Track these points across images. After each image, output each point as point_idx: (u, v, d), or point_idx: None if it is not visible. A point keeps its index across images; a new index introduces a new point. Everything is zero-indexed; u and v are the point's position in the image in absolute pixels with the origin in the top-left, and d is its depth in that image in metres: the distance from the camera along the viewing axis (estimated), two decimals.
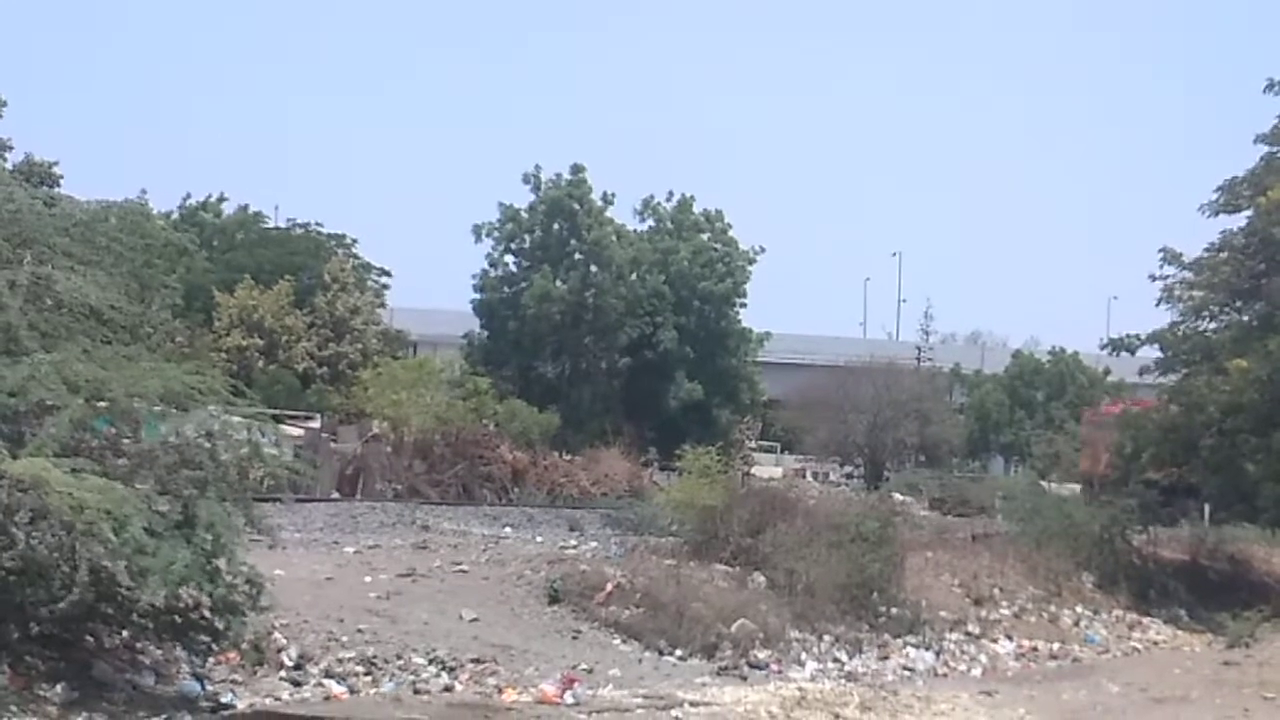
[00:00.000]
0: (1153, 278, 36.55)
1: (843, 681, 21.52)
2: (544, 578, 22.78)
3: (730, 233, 61.34)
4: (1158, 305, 36.81)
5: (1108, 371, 62.72)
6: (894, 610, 25.78)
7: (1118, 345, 38.67)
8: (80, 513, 12.80)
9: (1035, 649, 27.24)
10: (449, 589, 21.83)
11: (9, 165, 47.73)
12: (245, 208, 57.34)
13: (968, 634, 26.91)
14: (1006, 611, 28.99)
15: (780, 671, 21.87)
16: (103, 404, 14.84)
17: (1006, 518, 36.30)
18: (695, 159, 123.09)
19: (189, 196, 57.58)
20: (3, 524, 13.34)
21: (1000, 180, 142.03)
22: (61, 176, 48.53)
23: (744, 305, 60.93)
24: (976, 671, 24.85)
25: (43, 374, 14.13)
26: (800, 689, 19.98)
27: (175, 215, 52.69)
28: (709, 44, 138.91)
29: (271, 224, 57.82)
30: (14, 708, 13.20)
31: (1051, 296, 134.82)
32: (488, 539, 26.40)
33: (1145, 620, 31.92)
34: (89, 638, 14.61)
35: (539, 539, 27.34)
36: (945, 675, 24.08)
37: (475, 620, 20.63)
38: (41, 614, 13.64)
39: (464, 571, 22.91)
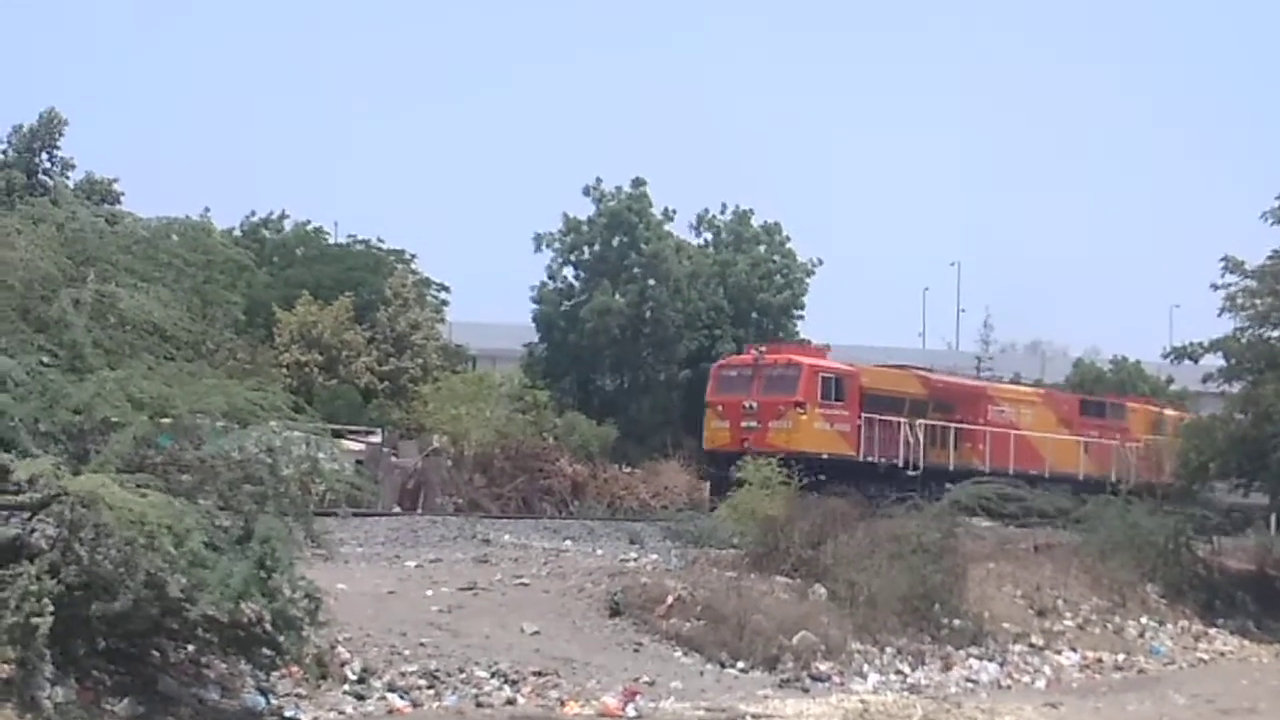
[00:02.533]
0: (1215, 286, 36.26)
1: (905, 693, 21.42)
2: (605, 590, 22.79)
3: (789, 245, 61.35)
4: (1220, 314, 36.52)
5: (1170, 380, 62.15)
6: (956, 622, 25.66)
7: (1180, 354, 38.40)
8: (141, 527, 12.90)
9: (1100, 660, 27.05)
10: (510, 602, 21.86)
11: (71, 184, 48.39)
12: (305, 224, 57.69)
13: (1031, 645, 26.75)
14: (1070, 623, 28.79)
15: (842, 684, 21.79)
16: (166, 420, 14.95)
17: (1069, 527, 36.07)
18: (753, 172, 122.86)
19: (253, 213, 58.05)
20: (67, 540, 13.46)
21: (1059, 188, 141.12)
22: (122, 194, 49.08)
23: (801, 317, 60.93)
24: (1040, 683, 24.69)
25: (108, 391, 14.27)
26: (863, 701, 19.92)
27: (237, 232, 53.04)
28: (767, 58, 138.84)
29: (331, 240, 58.14)
30: None
31: (1112, 305, 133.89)
32: (548, 552, 26.43)
33: (1211, 631, 31.65)
34: (155, 652, 14.71)
35: (599, 552, 27.35)
36: (1009, 687, 23.95)
37: (537, 633, 20.65)
38: (106, 627, 13.71)
39: (525, 585, 22.93)
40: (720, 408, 38.97)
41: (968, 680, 23.76)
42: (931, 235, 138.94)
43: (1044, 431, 43.97)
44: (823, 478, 32.10)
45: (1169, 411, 49.29)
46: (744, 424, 37.68)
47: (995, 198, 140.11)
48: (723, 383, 39.94)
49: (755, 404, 37.75)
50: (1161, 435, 46.33)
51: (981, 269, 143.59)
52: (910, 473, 38.39)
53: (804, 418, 37.44)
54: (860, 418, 38.32)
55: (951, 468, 39.16)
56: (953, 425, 41.12)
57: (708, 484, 38.62)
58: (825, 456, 36.46)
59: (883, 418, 38.91)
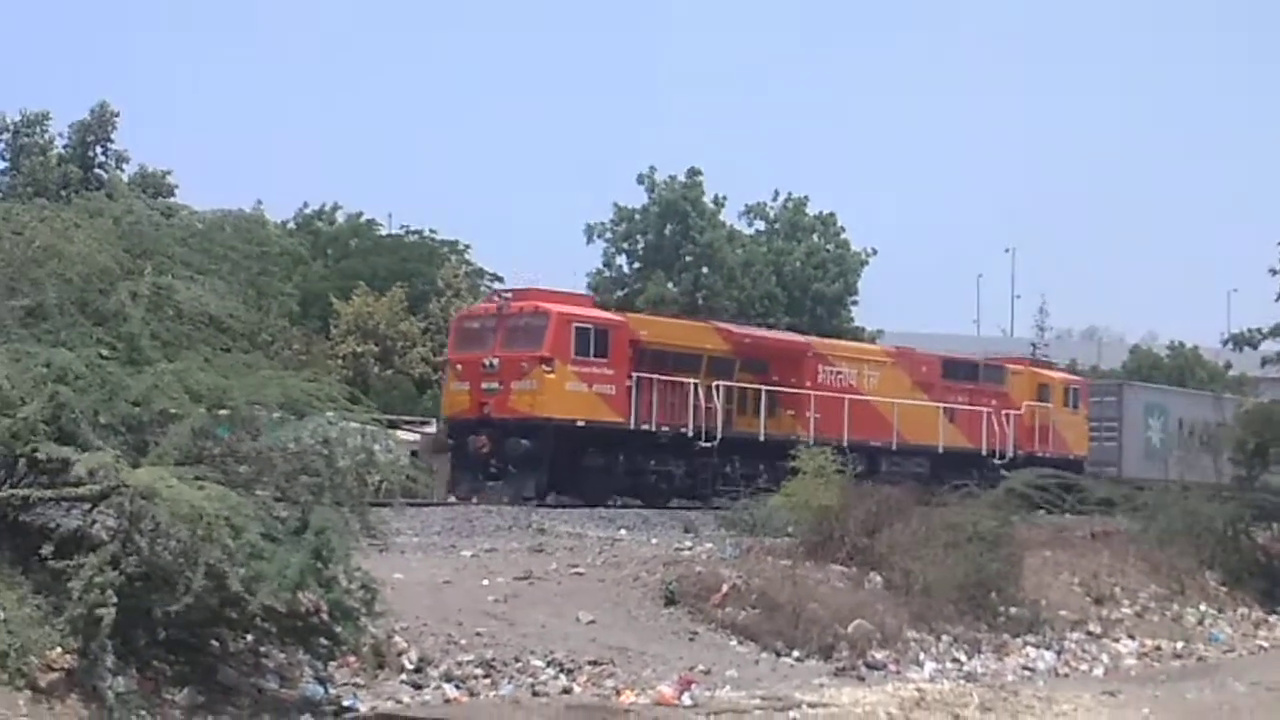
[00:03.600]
0: (1274, 271, 36.10)
1: (962, 682, 21.35)
2: (660, 579, 22.77)
3: (843, 234, 61.41)
4: (1278, 299, 36.32)
5: (1228, 366, 61.83)
6: (1013, 610, 25.54)
7: (1239, 340, 38.29)
8: (199, 520, 13.00)
9: (1158, 648, 26.86)
10: (566, 591, 21.89)
11: (126, 177, 48.82)
12: (359, 215, 58.01)
13: (1089, 633, 26.61)
14: (1128, 610, 28.62)
15: (898, 672, 21.73)
16: (224, 412, 15.04)
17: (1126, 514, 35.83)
18: (807, 159, 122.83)
19: (305, 206, 58.38)
20: (127, 532, 13.57)
21: (1114, 173, 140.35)
22: (176, 186, 49.54)
23: (855, 304, 60.97)
24: (1098, 671, 24.55)
25: (165, 383, 14.35)
26: (919, 689, 19.86)
27: (292, 225, 53.43)
28: (820, 44, 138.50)
29: (385, 231, 58.44)
30: (142, 712, 13.43)
31: (1169, 290, 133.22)
32: (603, 541, 26.44)
33: (1271, 618, 31.41)
34: (214, 642, 14.80)
35: (654, 540, 27.35)
36: (1066, 675, 23.81)
37: (592, 622, 20.65)
38: (166, 618, 13.81)
39: (580, 574, 22.95)
40: (460, 367, 33.08)
41: (1024, 668, 23.64)
42: (986, 222, 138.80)
43: (893, 396, 39.01)
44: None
45: (1056, 375, 46.95)
46: (484, 385, 32.01)
47: (1051, 183, 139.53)
48: (463, 337, 34.09)
49: (496, 361, 31.92)
50: (1047, 403, 43.91)
51: (1037, 255, 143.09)
52: (703, 444, 33.66)
53: (551, 377, 31.63)
54: (631, 377, 32.47)
55: (763, 438, 34.66)
56: (765, 388, 35.86)
57: (448, 457, 33.46)
58: (581, 424, 32.10)
59: (666, 378, 33.25)
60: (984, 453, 40.49)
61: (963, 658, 23.43)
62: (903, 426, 38.81)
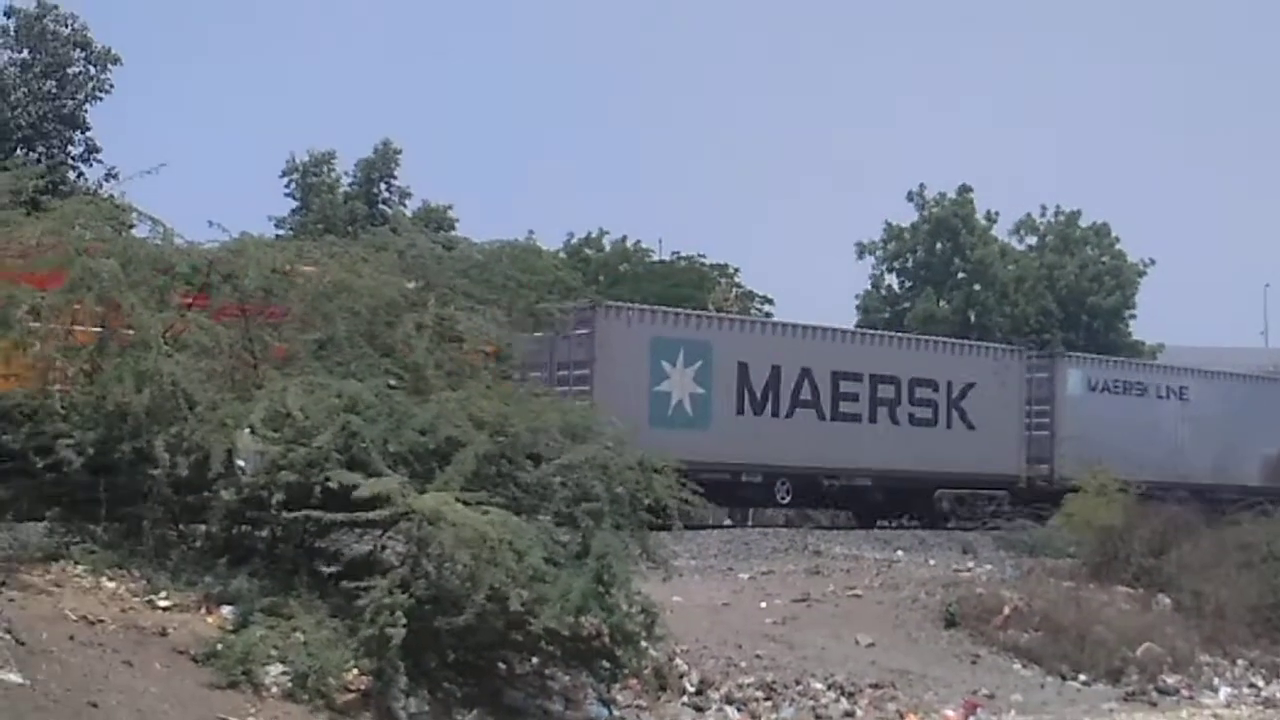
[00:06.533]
0: None
1: (1260, 708, 20.62)
2: (939, 601, 22.54)
3: (1118, 246, 59.96)
4: None
5: None
6: None
7: None
8: (483, 543, 13.27)
9: None
10: (843, 614, 21.80)
11: (409, 212, 50.34)
12: (627, 240, 58.71)
13: None
14: None
15: (1191, 697, 21.07)
16: (505, 439, 15.33)
17: None
18: (1080, 173, 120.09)
19: (571, 236, 59.33)
20: (415, 556, 13.93)
21: None
22: (457, 220, 50.88)
23: (1134, 317, 59.46)
24: None
25: (450, 411, 14.72)
26: (1215, 715, 19.33)
27: (561, 253, 54.38)
28: (1092, 56, 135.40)
29: (656, 257, 58.99)
30: None
31: None
32: (880, 563, 26.27)
33: None
34: (501, 665, 15.08)
35: (931, 562, 27.06)
36: None
37: (872, 645, 20.53)
38: (454, 640, 14.12)
39: (858, 596, 22.84)
40: None
41: None
42: (1271, 229, 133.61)
43: None
44: None
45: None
46: None
47: None
48: None
49: None
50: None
51: None
52: None
53: None
54: None
55: None
56: None
57: None
58: None
59: None
60: None
61: (1260, 683, 22.59)
62: None
